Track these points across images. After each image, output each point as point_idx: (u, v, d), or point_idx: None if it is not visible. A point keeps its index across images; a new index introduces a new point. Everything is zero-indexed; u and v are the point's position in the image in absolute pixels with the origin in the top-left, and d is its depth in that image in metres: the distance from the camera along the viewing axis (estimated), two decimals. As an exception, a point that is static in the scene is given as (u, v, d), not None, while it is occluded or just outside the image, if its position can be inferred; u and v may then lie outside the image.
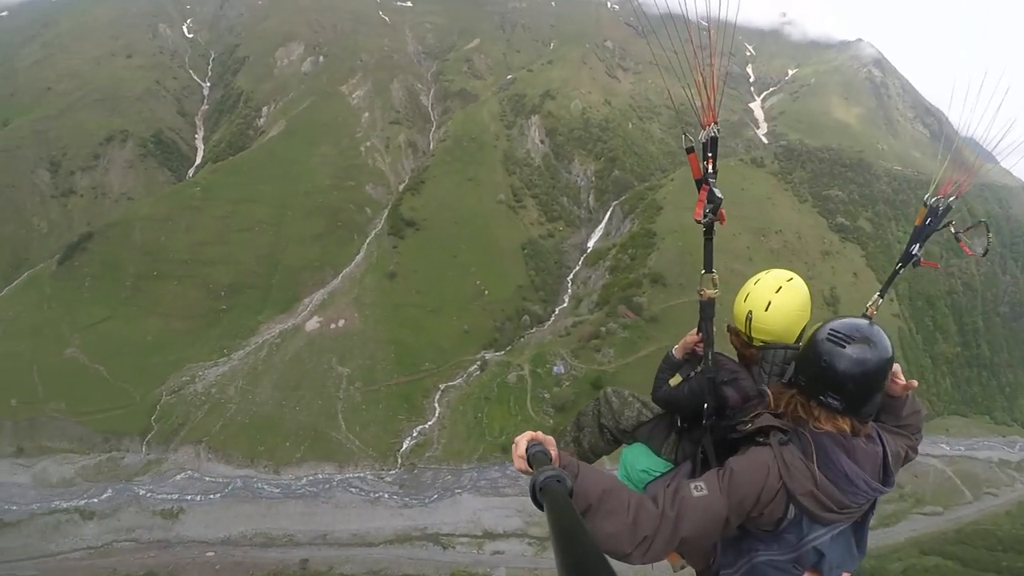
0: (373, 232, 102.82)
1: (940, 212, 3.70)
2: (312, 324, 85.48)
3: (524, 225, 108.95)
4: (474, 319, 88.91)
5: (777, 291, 3.48)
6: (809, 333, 3.01)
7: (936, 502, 71.71)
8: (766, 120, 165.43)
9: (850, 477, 2.81)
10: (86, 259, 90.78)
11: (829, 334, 2.85)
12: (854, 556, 3.06)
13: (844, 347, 2.80)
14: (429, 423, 74.28)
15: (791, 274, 3.56)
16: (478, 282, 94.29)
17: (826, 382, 2.85)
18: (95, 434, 69.29)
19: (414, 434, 72.85)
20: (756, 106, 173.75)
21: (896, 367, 3.07)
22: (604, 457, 4.52)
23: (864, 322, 2.89)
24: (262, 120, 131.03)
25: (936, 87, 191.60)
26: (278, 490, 65.66)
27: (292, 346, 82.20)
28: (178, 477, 65.78)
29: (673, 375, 3.93)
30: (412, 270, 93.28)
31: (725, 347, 3.70)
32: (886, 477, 2.94)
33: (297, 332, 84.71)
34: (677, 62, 3.48)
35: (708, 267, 3.44)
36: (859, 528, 3.08)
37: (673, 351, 4.04)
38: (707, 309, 3.53)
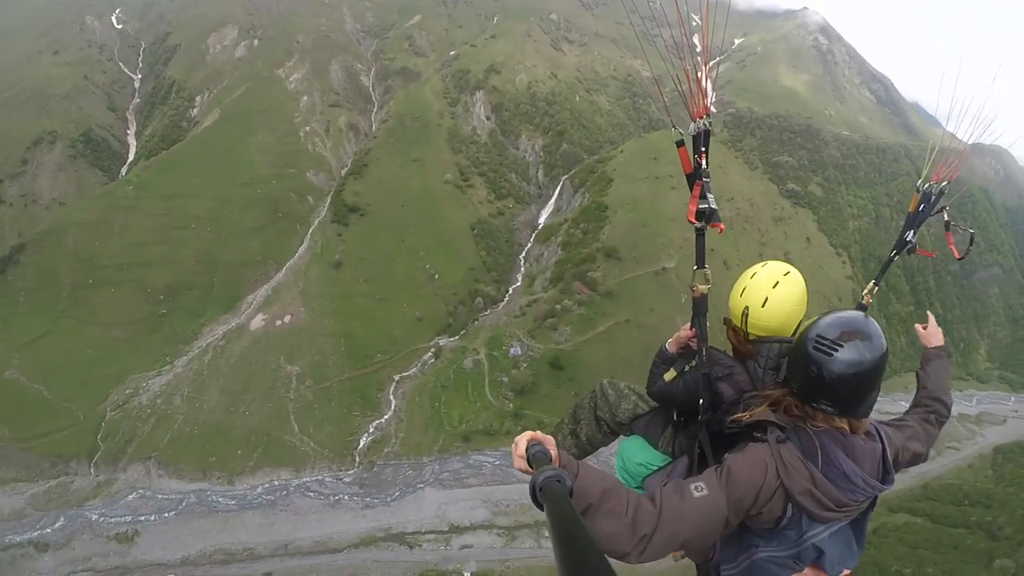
0: (316, 221, 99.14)
1: (933, 198, 3.79)
2: (257, 322, 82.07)
3: (473, 204, 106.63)
4: (426, 305, 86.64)
5: (774, 286, 3.39)
6: (798, 339, 2.91)
7: None
8: (713, 89, 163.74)
9: (848, 476, 2.77)
10: (19, 272, 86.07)
11: (816, 342, 2.76)
12: (854, 552, 3.02)
13: (833, 354, 2.71)
14: (385, 417, 72.26)
15: (787, 267, 3.47)
16: (428, 266, 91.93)
17: (818, 390, 2.79)
18: (42, 459, 65.77)
19: (370, 430, 70.78)
20: (703, 76, 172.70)
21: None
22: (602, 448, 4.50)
23: (856, 316, 2.80)
24: (196, 110, 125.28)
25: (881, 53, 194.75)
26: (234, 502, 63.17)
27: (237, 347, 78.90)
28: (130, 497, 62.85)
29: (667, 369, 3.84)
30: (359, 258, 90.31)
31: (719, 340, 3.66)
32: (885, 475, 2.91)
33: (242, 332, 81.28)
34: (665, 50, 3.26)
35: (700, 263, 3.38)
36: (858, 524, 3.04)
37: (667, 345, 3.91)
38: (700, 305, 3.47)
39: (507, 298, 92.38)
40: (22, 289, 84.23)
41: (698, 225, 3.20)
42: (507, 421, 69.17)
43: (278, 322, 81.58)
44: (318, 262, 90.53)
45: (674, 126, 3.41)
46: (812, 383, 2.78)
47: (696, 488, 2.68)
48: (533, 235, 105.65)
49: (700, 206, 3.20)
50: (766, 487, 2.76)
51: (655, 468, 3.94)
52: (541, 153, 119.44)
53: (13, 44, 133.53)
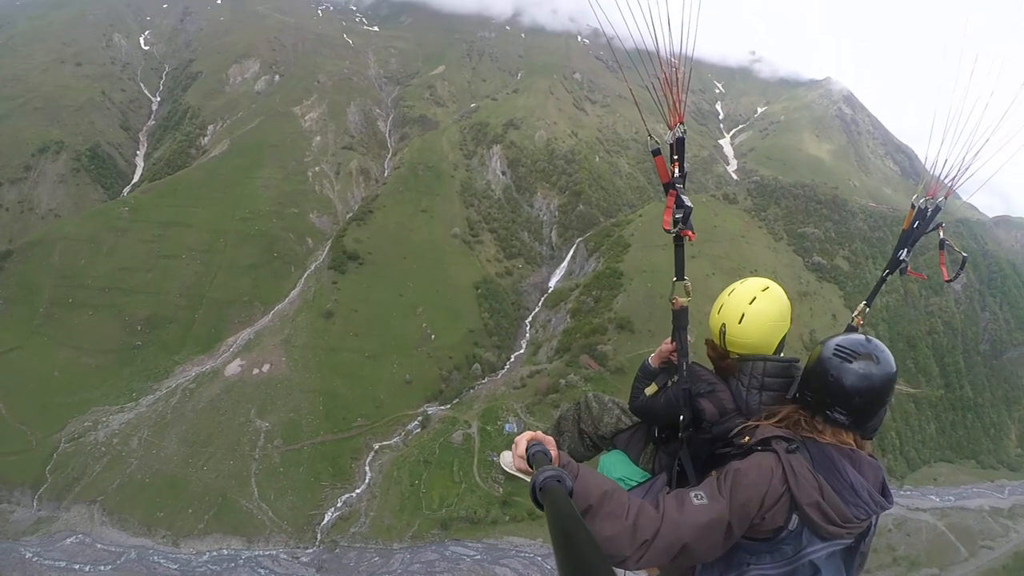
0: (313, 265, 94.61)
1: (928, 214, 3.69)
2: (233, 368, 76.15)
3: (480, 262, 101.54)
4: (418, 367, 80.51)
5: (751, 302, 3.36)
6: (815, 351, 2.99)
7: (932, 563, 68.58)
8: (736, 156, 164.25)
9: (856, 488, 2.77)
10: (2, 279, 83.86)
11: (836, 350, 2.87)
12: None
13: (851, 362, 2.82)
14: (357, 491, 65.20)
15: (767, 283, 3.44)
16: (425, 324, 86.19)
17: (833, 397, 2.86)
18: None
19: (338, 504, 63.73)
20: (725, 143, 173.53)
21: None
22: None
23: (862, 338, 2.90)
24: (207, 139, 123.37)
25: (905, 124, 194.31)
26: (176, 567, 57.10)
27: (207, 393, 73.34)
28: (68, 541, 58.42)
29: (649, 384, 3.79)
30: (351, 309, 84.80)
31: (701, 356, 3.62)
32: (885, 495, 2.89)
33: (215, 376, 75.73)
34: (642, 64, 3.30)
35: (679, 275, 3.41)
36: (851, 555, 2.97)
37: (649, 360, 3.89)
38: (680, 318, 3.46)
39: (508, 366, 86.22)
40: (2, 298, 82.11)
41: (672, 231, 3.21)
42: (494, 509, 61.42)
43: (255, 370, 75.53)
44: (308, 309, 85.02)
45: (650, 135, 3.36)
46: (829, 390, 2.84)
47: (696, 496, 2.66)
48: (542, 299, 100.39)
49: (676, 215, 3.18)
50: (771, 492, 2.69)
51: (634, 484, 3.77)
52: (556, 212, 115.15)
53: (35, 52, 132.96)
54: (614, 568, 1.43)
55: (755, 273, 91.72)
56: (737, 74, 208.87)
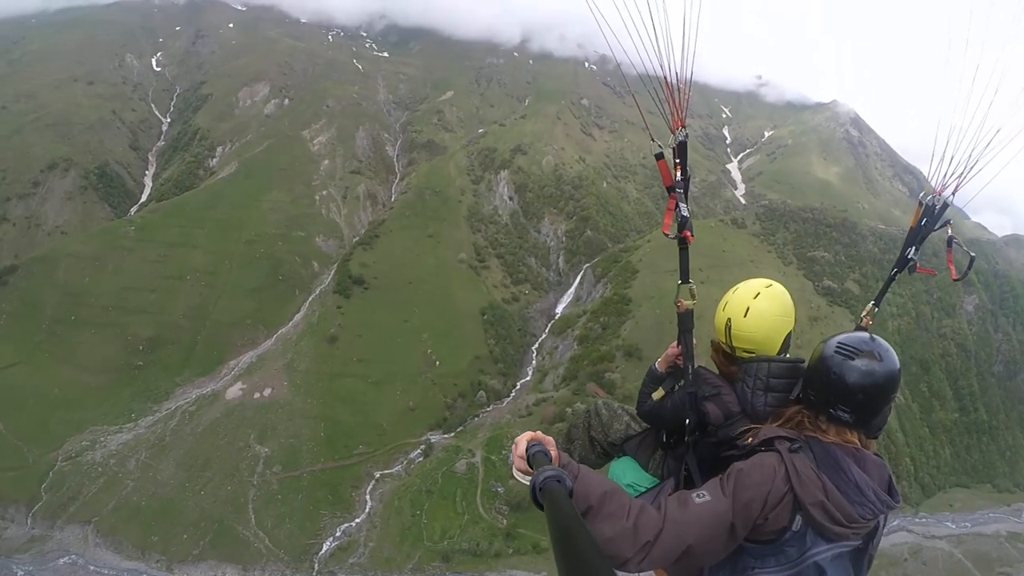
0: (318, 289, 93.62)
1: (937, 211, 3.65)
2: (234, 391, 75.19)
3: (486, 287, 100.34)
4: (422, 394, 79.04)
5: (756, 297, 3.41)
6: (816, 349, 3.00)
7: None
8: (743, 181, 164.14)
9: (861, 488, 2.74)
10: (5, 294, 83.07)
11: (838, 347, 2.87)
12: None
13: (853, 359, 2.81)
14: (357, 520, 63.51)
15: (770, 281, 3.49)
16: (430, 351, 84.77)
17: (837, 394, 2.85)
18: None
19: (337, 534, 62.10)
20: (733, 167, 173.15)
21: None
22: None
23: (867, 336, 2.90)
24: (215, 160, 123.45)
25: (912, 146, 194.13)
26: None
27: (207, 416, 72.26)
28: (61, 561, 57.66)
29: (656, 389, 3.85)
30: (356, 335, 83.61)
31: (707, 362, 3.63)
32: (892, 494, 2.86)
33: (216, 399, 74.70)
34: (648, 81, 3.30)
35: (684, 278, 3.41)
36: (858, 557, 2.93)
37: (656, 364, 3.96)
38: (685, 321, 3.49)
39: (513, 393, 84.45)
40: (5, 312, 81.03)
41: (671, 236, 3.25)
42: (497, 541, 59.61)
43: (257, 394, 74.54)
44: (312, 334, 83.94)
45: (652, 138, 3.43)
46: (832, 388, 2.83)
47: (698, 496, 2.65)
48: (549, 325, 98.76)
49: (676, 219, 3.22)
50: (774, 492, 2.67)
51: (643, 490, 3.85)
52: (564, 238, 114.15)
53: (48, 70, 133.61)
54: (615, 569, 1.38)
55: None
56: (744, 98, 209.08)
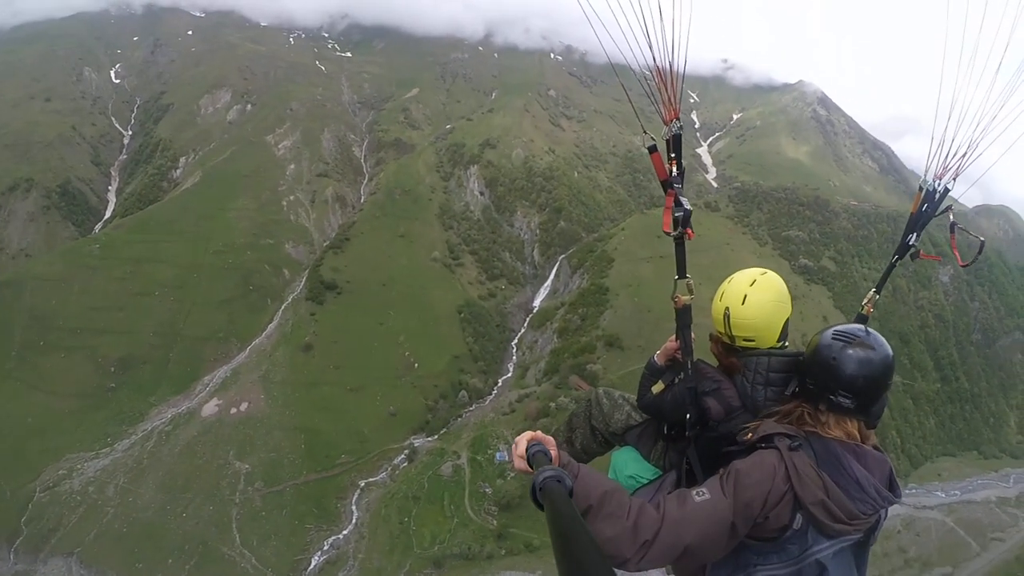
0: (290, 297, 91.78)
1: (937, 197, 3.62)
2: (210, 408, 73.41)
3: (462, 285, 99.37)
4: (402, 398, 77.80)
5: (752, 284, 3.38)
6: (812, 340, 2.99)
7: (944, 561, 67.67)
8: (714, 164, 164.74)
9: (861, 484, 2.70)
10: None
11: (835, 334, 2.87)
12: None
13: (851, 345, 2.80)
14: (344, 532, 62.25)
15: (764, 269, 3.49)
16: (408, 353, 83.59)
17: (837, 380, 2.81)
18: None
19: (325, 547, 60.79)
20: (703, 151, 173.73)
21: None
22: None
23: (861, 328, 2.90)
24: (179, 171, 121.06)
25: (879, 122, 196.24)
26: None
27: (184, 435, 70.43)
28: None
29: (655, 382, 3.77)
30: (331, 341, 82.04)
31: (706, 355, 3.59)
32: (893, 488, 2.83)
33: (192, 418, 72.82)
34: (631, 66, 3.24)
35: (681, 273, 3.33)
36: (861, 550, 2.90)
37: (655, 357, 3.86)
38: (683, 316, 3.43)
39: (495, 391, 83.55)
40: None
41: (673, 234, 3.14)
42: (489, 543, 58.62)
43: (233, 410, 72.78)
44: (286, 343, 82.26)
45: (644, 131, 3.31)
46: (832, 373, 2.80)
47: (698, 494, 2.63)
48: (527, 320, 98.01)
49: (675, 214, 3.09)
50: (774, 491, 2.64)
51: (645, 481, 3.80)
52: (537, 231, 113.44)
53: (4, 89, 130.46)
54: (615, 569, 1.39)
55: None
56: (711, 83, 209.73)
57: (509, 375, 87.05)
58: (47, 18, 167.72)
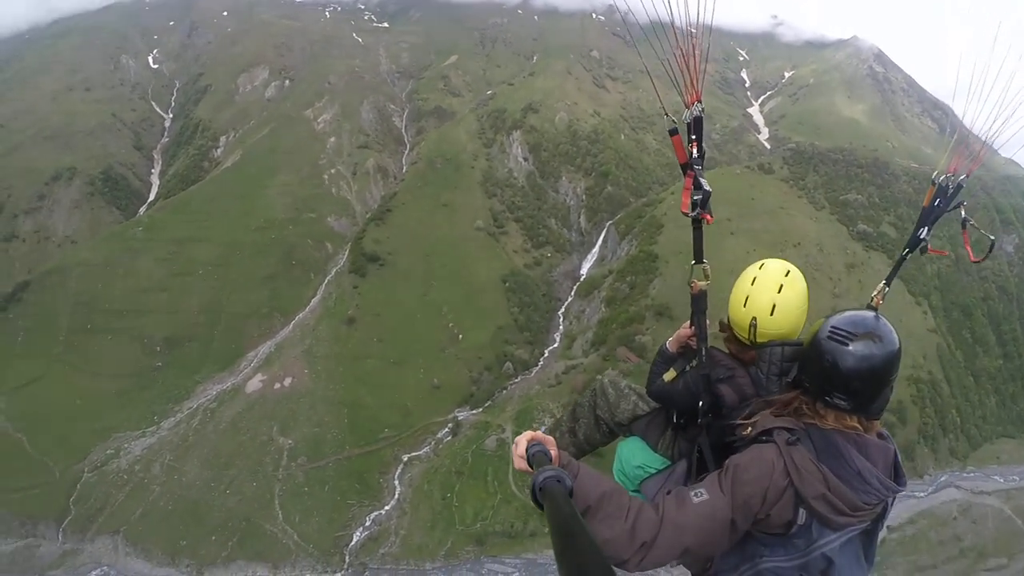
0: (333, 270, 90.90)
1: (950, 192, 3.50)
2: (254, 384, 73.05)
3: (506, 254, 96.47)
4: (446, 371, 76.05)
5: (779, 291, 3.21)
6: (812, 328, 2.88)
7: (1000, 552, 64.60)
8: (766, 124, 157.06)
9: (863, 475, 2.67)
10: (21, 310, 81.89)
11: (831, 332, 2.73)
12: (863, 567, 2.92)
13: (847, 344, 2.67)
14: (387, 508, 61.13)
15: (787, 266, 3.29)
16: (451, 324, 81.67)
17: (832, 382, 2.73)
18: (12, 517, 60.46)
19: (367, 523, 59.77)
20: (755, 111, 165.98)
21: None
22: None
23: (869, 315, 2.76)
24: (219, 150, 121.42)
25: (938, 80, 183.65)
26: None
27: (229, 412, 70.35)
28: (93, 574, 56.88)
29: (667, 369, 3.71)
30: (374, 314, 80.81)
31: (719, 342, 3.51)
32: (898, 476, 2.81)
33: (236, 394, 72.69)
34: (661, 38, 3.07)
35: (698, 258, 3.26)
36: (868, 538, 2.91)
37: (667, 344, 3.79)
38: (699, 302, 3.34)
39: (541, 362, 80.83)
40: (22, 328, 79.78)
41: (691, 215, 3.06)
42: (532, 520, 56.49)
43: (276, 385, 72.26)
44: (329, 317, 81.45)
45: (666, 114, 3.20)
46: (826, 375, 2.71)
47: (696, 494, 2.61)
48: (574, 288, 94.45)
49: (694, 197, 3.01)
50: (773, 487, 2.62)
51: (653, 471, 3.77)
52: (583, 196, 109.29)
53: (44, 82, 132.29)
54: (615, 569, 1.38)
55: (799, 247, 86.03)
56: (760, 40, 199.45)
57: (556, 345, 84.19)
58: (82, 10, 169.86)
